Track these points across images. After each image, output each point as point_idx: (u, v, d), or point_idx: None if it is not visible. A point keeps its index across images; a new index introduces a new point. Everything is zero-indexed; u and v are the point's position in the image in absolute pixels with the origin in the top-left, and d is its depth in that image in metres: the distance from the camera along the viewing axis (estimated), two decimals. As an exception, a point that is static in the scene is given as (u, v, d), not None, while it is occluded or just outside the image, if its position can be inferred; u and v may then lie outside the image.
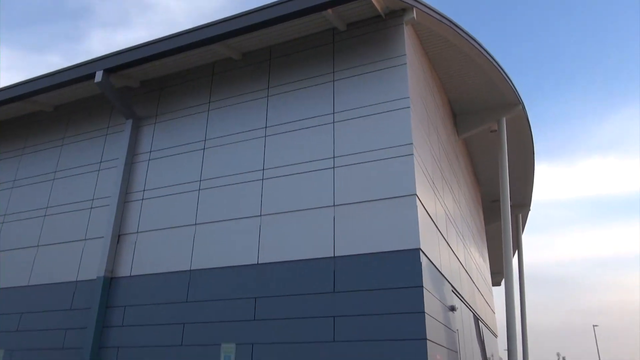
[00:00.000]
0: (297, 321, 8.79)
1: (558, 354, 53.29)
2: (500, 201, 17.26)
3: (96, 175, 12.88)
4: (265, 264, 9.61)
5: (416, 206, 8.89)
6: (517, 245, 28.02)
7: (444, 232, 11.75)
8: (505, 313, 15.70)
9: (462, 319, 14.10)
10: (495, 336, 22.88)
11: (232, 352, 9.08)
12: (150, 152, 12.43)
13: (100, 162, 13.07)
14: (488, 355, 19.44)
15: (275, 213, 10.01)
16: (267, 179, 10.46)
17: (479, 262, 21.76)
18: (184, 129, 12.16)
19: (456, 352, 10.59)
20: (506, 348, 15.82)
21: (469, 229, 18.89)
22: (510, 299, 15.83)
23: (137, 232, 11.48)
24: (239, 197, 10.55)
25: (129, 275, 11.06)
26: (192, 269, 10.33)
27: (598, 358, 52.59)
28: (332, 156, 9.99)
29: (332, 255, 9.10)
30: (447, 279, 10.98)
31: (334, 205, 9.53)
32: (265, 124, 11.08)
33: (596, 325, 60.70)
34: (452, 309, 10.57)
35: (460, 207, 16.61)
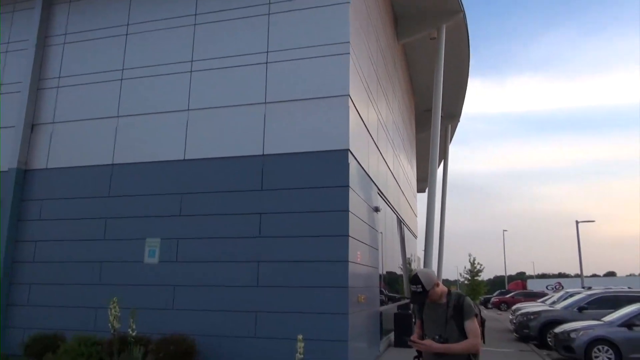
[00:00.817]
0: (223, 217, 8.80)
1: (470, 255, 58.66)
2: (432, 110, 17.60)
3: (3, 58, 11.58)
4: (193, 160, 9.34)
5: (348, 107, 8.80)
6: (444, 155, 29.31)
7: (374, 137, 11.90)
8: (426, 217, 16.69)
9: (386, 221, 14.86)
10: (415, 237, 24.53)
11: (156, 246, 9.05)
12: (66, 34, 11.22)
13: (8, 42, 11.71)
14: (408, 255, 20.94)
15: (204, 108, 9.57)
16: (196, 71, 9.85)
17: (407, 169, 22.64)
18: (104, 11, 10.98)
19: (377, 249, 11.21)
20: (424, 248, 17.09)
21: (400, 136, 19.33)
22: (432, 204, 16.74)
23: (53, 122, 10.66)
24: (165, 90, 9.94)
25: (45, 167, 10.42)
26: (114, 163, 9.88)
27: (504, 257, 58.55)
28: (266, 51, 9.50)
29: (262, 153, 8.98)
30: (374, 182, 11.31)
31: (265, 103, 9.23)
32: (195, 10, 10.21)
33: (505, 230, 67.01)
34: (377, 209, 11.01)
35: (393, 113, 16.80)
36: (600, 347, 10.57)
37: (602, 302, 13.68)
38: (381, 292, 12.44)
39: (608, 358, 10.47)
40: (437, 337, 3.42)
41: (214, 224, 8.83)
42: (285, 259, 8.32)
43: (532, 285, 58.12)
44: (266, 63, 9.43)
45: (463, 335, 3.40)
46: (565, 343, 11.06)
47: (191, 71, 9.88)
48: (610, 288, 17.07)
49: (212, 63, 9.75)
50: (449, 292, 3.61)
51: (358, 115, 9.73)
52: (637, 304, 11.57)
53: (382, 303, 12.30)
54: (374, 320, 10.40)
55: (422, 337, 3.59)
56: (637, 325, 10.59)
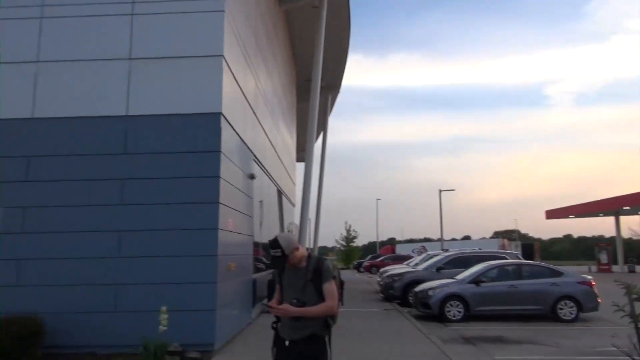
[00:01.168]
0: (78, 183, 7.96)
1: (346, 222, 61.63)
2: (312, 79, 17.69)
3: None
4: (42, 119, 8.27)
5: (222, 69, 8.38)
6: (324, 126, 29.90)
7: (252, 103, 11.61)
8: (303, 186, 16.94)
9: (264, 189, 14.78)
10: (294, 206, 24.90)
11: (-2, 216, 7.93)
12: None
13: None
14: (286, 223, 21.20)
15: (57, 60, 8.46)
16: (46, 17, 8.64)
17: (287, 138, 22.70)
18: None
19: (252, 217, 11.08)
20: (300, 216, 17.40)
21: (280, 104, 19.21)
22: (309, 174, 16.99)
23: None
24: (8, 37, 8.59)
25: None
26: (-58, 119, 8.39)
27: (376, 224, 62.33)
28: (131, 0, 8.63)
29: (125, 114, 8.23)
30: (250, 149, 11.08)
31: (130, 59, 8.43)
32: (45, -53, 8.89)
33: (379, 199, 71.23)
34: (252, 177, 10.82)
35: (273, 81, 16.57)
36: (452, 302, 11.71)
37: (456, 262, 15.14)
38: (259, 260, 12.42)
39: (459, 312, 11.65)
40: (294, 301, 3.38)
41: (67, 190, 7.95)
42: (150, 227, 7.81)
43: (401, 250, 62.81)
44: (131, 15, 8.58)
45: (322, 299, 3.40)
46: (423, 300, 12.07)
47: (41, 17, 8.64)
48: (464, 250, 18.99)
49: (67, 10, 8.62)
50: (309, 256, 3.58)
51: (233, 78, 9.36)
52: (484, 264, 12.98)
53: (259, 270, 12.30)
54: (247, 288, 10.35)
55: (281, 303, 3.54)
56: (483, 282, 11.90)
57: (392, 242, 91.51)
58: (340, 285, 3.71)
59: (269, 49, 15.25)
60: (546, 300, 11.61)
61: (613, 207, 39.98)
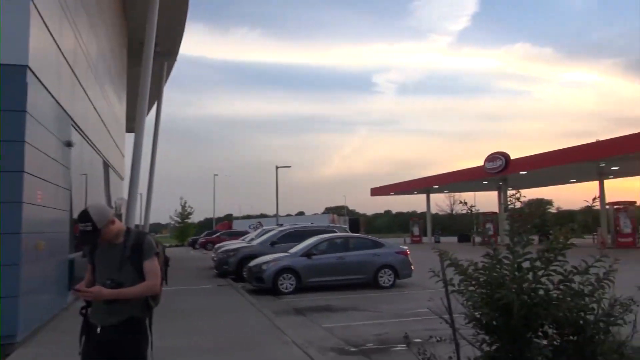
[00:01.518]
0: None
1: (181, 198, 59.34)
2: (145, 43, 16.28)
3: None
4: None
5: (29, 15, 7.09)
6: (158, 95, 27.99)
7: (71, 61, 10.16)
8: (132, 159, 15.63)
9: (85, 159, 13.23)
10: (122, 179, 22.98)
11: None
12: None
13: None
14: (114, 199, 19.43)
15: None
16: None
17: (115, 106, 20.67)
18: None
19: (69, 190, 9.82)
20: (129, 191, 16.09)
21: (108, 68, 17.30)
22: (139, 145, 15.71)
23: None
24: None
25: None
26: None
27: (213, 200, 61.26)
28: None
29: None
30: (67, 112, 9.72)
31: None
32: None
33: (216, 174, 70.30)
34: (69, 144, 9.54)
35: (99, 40, 14.78)
36: (285, 275, 12.01)
37: (290, 236, 15.55)
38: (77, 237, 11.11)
39: (291, 284, 12.00)
40: (108, 282, 2.96)
41: None
42: None
43: (237, 226, 62.83)
44: None
45: (142, 278, 3.04)
46: (257, 275, 12.16)
47: None
48: (298, 224, 19.67)
49: None
50: (128, 231, 3.17)
51: (46, 29, 8.03)
52: (314, 237, 13.56)
53: (79, 249, 11.02)
54: (61, 269, 9.18)
55: (93, 284, 3.07)
56: (314, 254, 12.43)
57: (229, 219, 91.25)
58: (165, 262, 3.37)
59: (95, 3, 13.52)
60: (369, 270, 12.61)
61: (424, 185, 45.41)
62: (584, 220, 34.03)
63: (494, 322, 2.68)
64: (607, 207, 32.97)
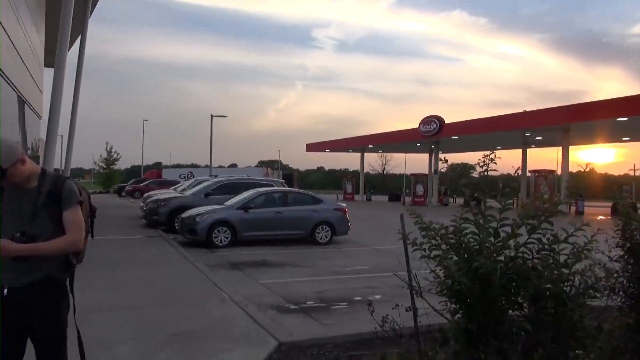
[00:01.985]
0: None
1: (107, 143, 56.00)
2: (68, -36, 14.43)
3: None
4: None
5: None
6: (82, 27, 25.43)
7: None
8: (51, 95, 14.09)
9: (4, 99, 11.70)
10: (40, 118, 21.00)
11: None
12: None
13: None
14: (30, 140, 17.67)
15: None
16: None
17: (33, 36, 18.50)
18: None
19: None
20: (47, 130, 14.60)
21: (23, -11, 15.26)
22: (59, 81, 14.10)
23: None
24: None
25: None
26: None
27: (142, 147, 58.55)
28: None
29: None
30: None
31: None
32: None
33: (146, 120, 67.02)
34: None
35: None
36: (220, 228, 11.54)
37: (225, 188, 14.98)
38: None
39: (226, 237, 11.57)
40: (17, 235, 2.41)
41: None
42: None
43: (167, 175, 60.68)
44: None
45: (61, 231, 2.51)
46: (190, 227, 11.59)
47: None
48: (233, 176, 19.06)
49: None
50: (44, 174, 2.59)
51: None
52: (252, 190, 13.11)
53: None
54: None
55: (-2, 237, 2.49)
56: (251, 208, 12.01)
57: (158, 167, 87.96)
58: (91, 212, 2.84)
59: None
60: (307, 226, 12.42)
61: (360, 144, 45.80)
62: (509, 186, 35.96)
63: (470, 292, 2.46)
64: (529, 174, 34.96)
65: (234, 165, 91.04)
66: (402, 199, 39.74)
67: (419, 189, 38.41)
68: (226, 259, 10.04)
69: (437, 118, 33.45)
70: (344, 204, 13.40)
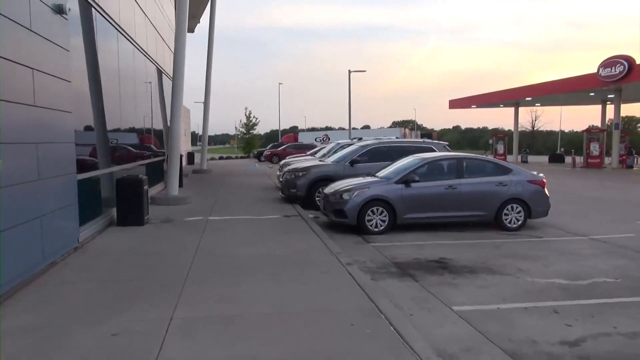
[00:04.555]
0: None
1: (246, 108, 56.97)
2: None
3: None
4: None
5: None
6: None
7: None
8: (174, 59, 12.42)
9: (136, 68, 10.21)
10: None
11: None
12: None
13: None
14: (169, 108, 16.71)
15: None
16: None
17: (168, 9, 17.26)
18: None
19: (69, 81, 6.80)
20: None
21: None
22: (181, 42, 12.29)
23: None
24: None
25: None
26: None
27: (279, 111, 58.49)
28: None
29: None
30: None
31: None
32: None
33: (281, 83, 66.90)
34: (62, 10, 6.31)
35: None
36: (375, 208, 8.77)
37: (374, 154, 12.15)
38: (95, 153, 8.42)
39: (382, 220, 8.79)
40: None
41: None
42: None
43: (303, 138, 60.29)
44: None
45: None
46: (336, 206, 8.98)
47: None
48: (382, 139, 16.15)
49: None
50: None
51: None
52: (411, 157, 10.04)
53: (94, 167, 8.29)
54: (62, 196, 6.41)
55: None
56: (415, 181, 9.00)
57: (294, 131, 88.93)
58: None
59: None
60: (490, 204, 9.09)
61: (514, 97, 39.66)
62: None
63: None
64: None
65: (366, 127, 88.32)
66: (572, 160, 33.35)
67: (594, 149, 31.83)
68: (388, 254, 7.24)
69: (625, 58, 26.63)
70: (541, 175, 9.69)
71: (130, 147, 11.51)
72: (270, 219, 9.73)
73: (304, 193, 11.76)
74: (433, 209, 8.98)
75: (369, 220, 8.72)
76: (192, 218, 9.64)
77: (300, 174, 12.03)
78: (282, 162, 17.56)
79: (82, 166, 7.37)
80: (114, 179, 8.99)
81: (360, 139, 17.01)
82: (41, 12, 5.80)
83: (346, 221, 8.83)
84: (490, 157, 11.02)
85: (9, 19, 4.95)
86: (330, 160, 13.03)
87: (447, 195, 9.00)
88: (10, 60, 4.95)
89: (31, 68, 5.38)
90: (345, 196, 8.89)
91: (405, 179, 8.99)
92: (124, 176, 8.94)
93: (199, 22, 33.25)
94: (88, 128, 8.19)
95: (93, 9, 8.31)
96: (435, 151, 11.82)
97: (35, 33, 5.54)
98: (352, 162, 11.86)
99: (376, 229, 8.72)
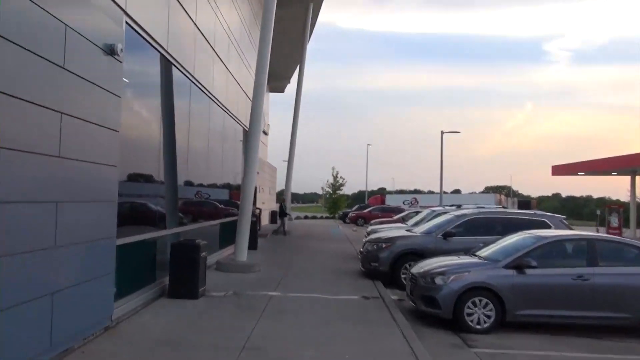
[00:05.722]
0: None
1: (333, 168, 56.69)
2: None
3: None
4: None
5: None
6: (301, 51, 24.02)
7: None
8: (250, 118, 11.64)
9: (225, 126, 9.64)
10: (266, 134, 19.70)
11: None
12: None
13: None
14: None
15: None
16: None
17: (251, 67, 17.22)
18: None
19: (117, 131, 5.96)
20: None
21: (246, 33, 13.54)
22: (259, 98, 11.57)
23: None
24: None
25: None
26: None
27: (366, 172, 57.45)
28: None
29: None
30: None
31: None
32: None
33: (370, 144, 66.16)
34: (113, 51, 5.53)
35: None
36: (477, 299, 6.85)
37: (474, 226, 10.20)
38: (144, 209, 7.52)
39: (487, 316, 6.82)
40: None
41: None
42: None
43: (390, 201, 58.41)
44: None
45: None
46: (427, 292, 7.17)
47: None
48: (483, 207, 14.10)
49: None
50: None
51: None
52: (526, 234, 8.02)
53: (151, 226, 7.34)
54: (101, 261, 5.37)
55: None
56: (531, 266, 6.99)
57: (382, 192, 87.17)
58: None
59: None
60: (636, 304, 6.81)
61: (634, 164, 35.23)
62: None
63: None
64: None
65: (456, 191, 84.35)
66: None
67: None
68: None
69: None
70: None
71: (199, 206, 10.69)
72: (346, 300, 8.10)
73: (387, 269, 10.02)
74: (555, 306, 6.85)
75: (469, 315, 6.80)
76: (254, 292, 8.29)
77: (383, 245, 10.34)
78: (369, 228, 16.07)
79: (132, 226, 6.40)
80: (173, 239, 8.00)
81: (459, 206, 14.93)
82: (87, 52, 5.02)
83: (439, 313, 6.97)
84: (629, 239, 8.60)
85: (44, 58, 4.14)
86: (419, 230, 11.23)
87: (576, 288, 6.85)
88: (24, 100, 4.08)
89: (59, 112, 4.49)
90: (439, 280, 7.07)
91: (518, 264, 7.01)
92: (179, 240, 7.89)
93: (289, 82, 33.89)
94: (148, 181, 7.34)
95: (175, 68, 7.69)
96: (550, 226, 9.67)
97: (70, 72, 4.71)
98: (446, 235, 10.00)
99: (479, 326, 6.76)
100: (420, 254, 9.56)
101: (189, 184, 9.74)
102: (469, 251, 8.43)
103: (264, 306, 7.27)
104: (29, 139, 4.11)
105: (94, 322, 5.40)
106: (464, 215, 10.57)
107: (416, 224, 13.61)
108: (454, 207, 13.74)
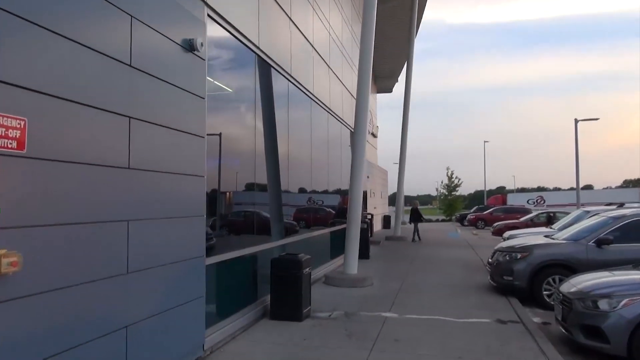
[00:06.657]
0: None
1: (447, 168, 53.80)
2: None
3: None
4: None
5: None
6: (408, 47, 22.64)
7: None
8: (355, 117, 10.74)
9: (298, 111, 8.96)
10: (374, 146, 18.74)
11: None
12: None
13: None
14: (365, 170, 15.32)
15: None
16: None
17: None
18: None
19: (203, 137, 5.32)
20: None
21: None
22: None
23: None
24: None
25: None
26: None
27: (484, 170, 53.73)
28: None
29: None
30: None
31: None
32: None
33: (487, 141, 61.76)
34: (191, 47, 4.87)
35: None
36: (662, 334, 5.12)
37: (634, 230, 8.19)
38: (231, 222, 6.89)
39: (679, 357, 5.06)
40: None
41: None
42: None
43: (512, 200, 53.91)
44: None
45: None
46: (586, 320, 5.57)
47: None
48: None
49: None
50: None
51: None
52: None
53: (245, 243, 6.67)
54: (189, 285, 4.74)
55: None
56: None
57: (501, 191, 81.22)
58: None
59: None
60: None
61: None
62: None
63: None
64: None
65: (588, 187, 75.60)
66: None
67: None
68: None
69: None
70: None
71: (308, 213, 9.98)
72: (477, 325, 6.71)
73: (524, 284, 8.36)
74: None
75: (654, 355, 5.09)
76: (365, 313, 7.25)
77: (519, 255, 8.67)
78: (507, 234, 14.44)
79: (227, 241, 5.75)
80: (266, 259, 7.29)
81: (621, 204, 12.34)
82: (164, 50, 4.40)
83: (606, 348, 5.33)
84: None
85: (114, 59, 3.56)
86: (562, 237, 9.34)
87: None
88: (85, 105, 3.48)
89: (126, 116, 3.88)
90: (603, 305, 5.44)
91: None
92: (281, 255, 7.10)
93: (397, 82, 32.48)
94: (249, 189, 6.70)
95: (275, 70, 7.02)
96: None
97: (141, 71, 4.09)
98: (600, 242, 8.08)
99: (664, 372, 5.03)
100: (567, 267, 7.85)
101: (302, 190, 9.14)
102: (631, 262, 6.60)
103: (376, 334, 6.18)
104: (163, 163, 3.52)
105: (182, 354, 4.75)
106: (623, 216, 8.47)
107: (562, 227, 11.58)
108: (613, 207, 11.38)
